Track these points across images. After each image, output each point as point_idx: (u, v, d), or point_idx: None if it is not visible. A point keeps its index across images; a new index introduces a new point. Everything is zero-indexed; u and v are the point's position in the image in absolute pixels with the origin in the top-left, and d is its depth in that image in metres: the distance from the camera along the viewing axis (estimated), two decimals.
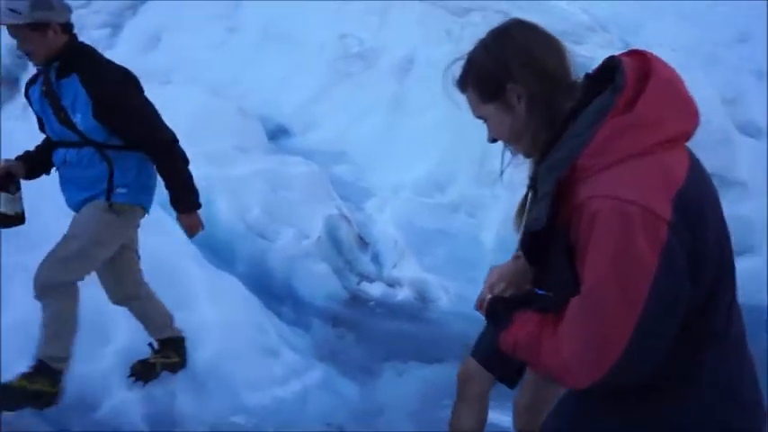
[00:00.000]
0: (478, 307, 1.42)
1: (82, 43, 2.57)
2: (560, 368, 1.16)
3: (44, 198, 3.28)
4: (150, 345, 2.85)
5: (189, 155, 2.87)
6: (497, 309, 1.37)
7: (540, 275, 1.29)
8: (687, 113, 1.15)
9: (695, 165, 1.16)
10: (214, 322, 3.18)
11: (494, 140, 1.33)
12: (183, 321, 3.08)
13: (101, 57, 2.57)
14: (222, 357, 3.03)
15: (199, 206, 2.68)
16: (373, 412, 2.99)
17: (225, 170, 4.49)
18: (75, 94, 2.45)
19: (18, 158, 2.64)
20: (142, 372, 2.81)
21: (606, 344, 1.11)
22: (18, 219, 2.65)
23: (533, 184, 1.26)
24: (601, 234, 1.08)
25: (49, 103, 2.51)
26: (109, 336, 2.93)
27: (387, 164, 5.30)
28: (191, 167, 2.64)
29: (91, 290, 3.00)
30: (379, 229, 4.78)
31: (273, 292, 3.91)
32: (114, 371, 2.79)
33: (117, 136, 2.49)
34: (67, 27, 2.47)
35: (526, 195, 1.35)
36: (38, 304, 2.50)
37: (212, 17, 6.61)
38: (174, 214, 2.62)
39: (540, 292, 1.36)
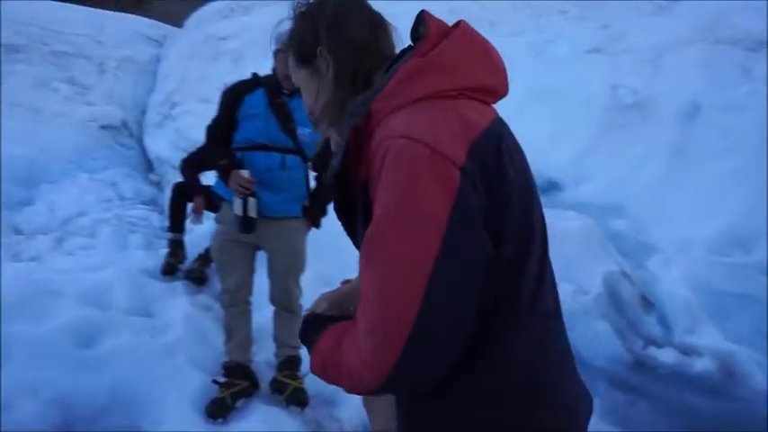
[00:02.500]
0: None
1: None
2: (355, 366, 0.93)
3: None
4: (214, 381, 2.93)
5: None
6: (309, 327, 1.12)
7: None
8: (491, 71, 1.10)
9: (501, 125, 1.08)
10: None
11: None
12: None
13: None
14: None
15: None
16: None
17: None
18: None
19: (230, 159, 2.84)
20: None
21: (393, 313, 0.89)
22: (255, 223, 2.84)
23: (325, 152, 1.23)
24: (387, 177, 0.93)
25: (276, 115, 2.87)
26: None
27: (671, 217, 4.78)
28: None
29: None
30: (666, 290, 4.27)
31: None
32: None
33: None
34: None
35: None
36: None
37: None
38: None
39: None
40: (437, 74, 1.04)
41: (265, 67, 3.10)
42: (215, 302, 3.65)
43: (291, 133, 2.90)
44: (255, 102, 2.90)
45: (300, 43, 1.17)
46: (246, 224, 2.84)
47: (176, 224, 4.30)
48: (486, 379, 1.00)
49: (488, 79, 1.08)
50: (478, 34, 1.11)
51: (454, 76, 1.04)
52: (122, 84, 9.96)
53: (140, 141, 9.48)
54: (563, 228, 4.25)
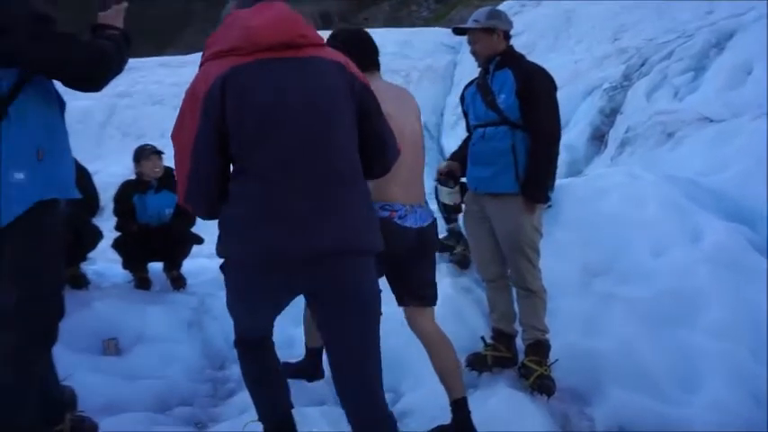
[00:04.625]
0: None
1: (515, 50, 3.13)
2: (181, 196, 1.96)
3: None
4: (482, 338, 3.21)
5: None
6: None
7: None
8: (241, 38, 1.86)
9: (242, 68, 1.84)
10: None
11: None
12: None
13: (530, 61, 3.12)
14: None
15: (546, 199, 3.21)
16: None
17: None
18: (504, 80, 2.98)
19: (453, 158, 3.33)
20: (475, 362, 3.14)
21: (181, 170, 1.90)
22: (457, 209, 3.38)
23: None
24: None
25: (480, 93, 3.08)
26: (698, 384, 2.94)
27: None
28: None
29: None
30: None
31: None
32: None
33: (524, 116, 2.94)
34: (508, 35, 3.09)
35: None
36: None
37: None
38: None
39: None
40: (207, 48, 1.92)
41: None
42: (476, 286, 3.83)
43: (491, 105, 3.01)
44: (470, 93, 3.21)
45: None
46: (444, 211, 3.36)
47: (450, 214, 4.19)
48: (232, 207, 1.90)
49: (235, 43, 1.86)
50: (243, 18, 1.88)
51: (212, 47, 1.90)
52: (424, 90, 10.95)
53: (438, 141, 10.37)
54: None
